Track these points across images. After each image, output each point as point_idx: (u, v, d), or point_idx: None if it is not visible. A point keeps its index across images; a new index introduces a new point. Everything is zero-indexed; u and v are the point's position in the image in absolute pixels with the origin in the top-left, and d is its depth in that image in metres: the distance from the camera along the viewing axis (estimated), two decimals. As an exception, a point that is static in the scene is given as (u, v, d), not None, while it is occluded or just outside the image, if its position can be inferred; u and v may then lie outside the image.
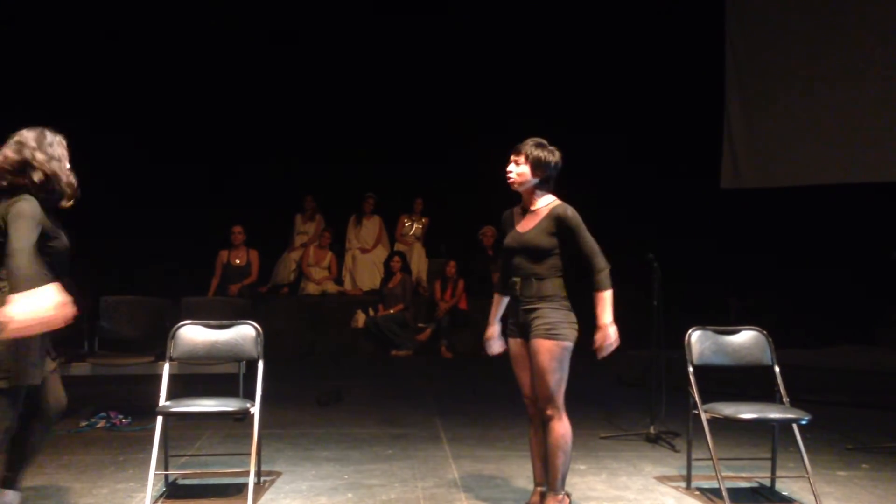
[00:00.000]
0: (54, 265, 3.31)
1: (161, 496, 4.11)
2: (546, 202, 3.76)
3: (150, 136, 9.74)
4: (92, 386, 6.40)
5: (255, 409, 4.02)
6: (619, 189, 10.40)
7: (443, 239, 10.82)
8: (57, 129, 3.37)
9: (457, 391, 7.13)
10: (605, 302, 3.56)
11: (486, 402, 6.55)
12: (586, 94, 10.49)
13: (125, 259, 9.25)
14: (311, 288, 10.11)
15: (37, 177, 3.22)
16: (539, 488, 3.75)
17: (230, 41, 9.98)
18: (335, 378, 7.49)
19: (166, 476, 4.25)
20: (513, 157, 3.74)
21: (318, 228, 10.47)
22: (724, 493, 3.88)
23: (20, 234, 3.07)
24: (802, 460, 4.02)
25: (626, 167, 10.36)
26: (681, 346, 4.30)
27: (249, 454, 4.02)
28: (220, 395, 4.17)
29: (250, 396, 4.15)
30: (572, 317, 3.60)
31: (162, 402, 3.98)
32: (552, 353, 3.52)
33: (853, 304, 8.30)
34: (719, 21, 9.68)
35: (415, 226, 10.76)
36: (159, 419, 3.97)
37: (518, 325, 3.70)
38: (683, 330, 4.32)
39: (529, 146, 3.71)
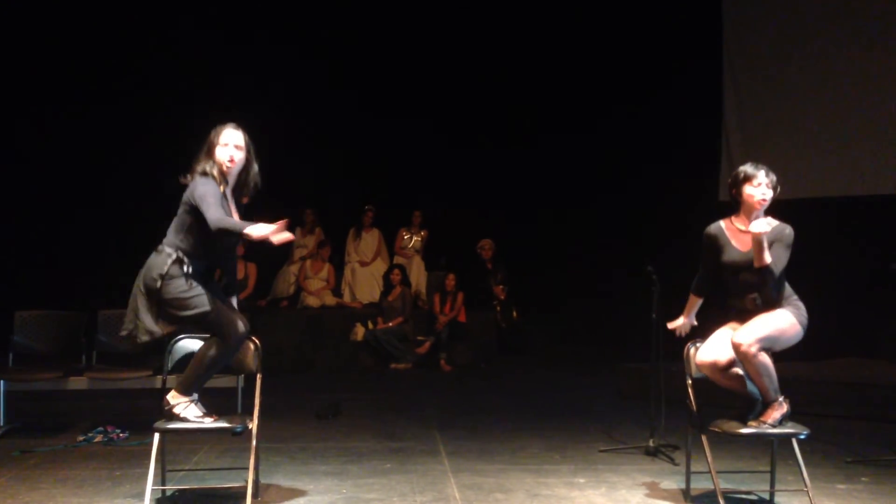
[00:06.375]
0: None
1: (158, 511, 4.10)
2: (769, 220, 4.07)
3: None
4: (89, 400, 6.39)
5: (254, 424, 4.01)
6: (617, 201, 10.43)
7: (442, 252, 10.82)
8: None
9: (456, 404, 7.11)
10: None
11: (486, 415, 6.54)
12: (584, 107, 10.53)
13: (120, 272, 9.24)
14: (311, 301, 10.10)
15: None
16: None
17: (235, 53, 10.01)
18: (334, 392, 7.48)
19: (163, 491, 4.23)
20: (766, 182, 4.07)
21: (317, 242, 10.47)
22: (723, 507, 3.87)
23: None
24: (801, 474, 4.02)
25: (623, 180, 10.39)
26: (680, 359, 4.30)
27: (247, 468, 4.01)
28: (218, 409, 4.15)
29: (249, 410, 4.14)
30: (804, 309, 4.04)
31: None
32: (784, 315, 3.97)
33: (854, 316, 8.29)
34: (717, 26, 9.69)
35: (414, 239, 10.77)
36: (156, 434, 3.96)
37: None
38: (683, 343, 4.32)
39: (771, 172, 4.11)
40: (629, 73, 10.31)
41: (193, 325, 3.95)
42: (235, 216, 4.00)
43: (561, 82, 10.67)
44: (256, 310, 9.26)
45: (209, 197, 3.78)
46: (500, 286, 10.22)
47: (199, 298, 3.83)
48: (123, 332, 3.94)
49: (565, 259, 10.53)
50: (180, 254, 3.85)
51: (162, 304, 3.84)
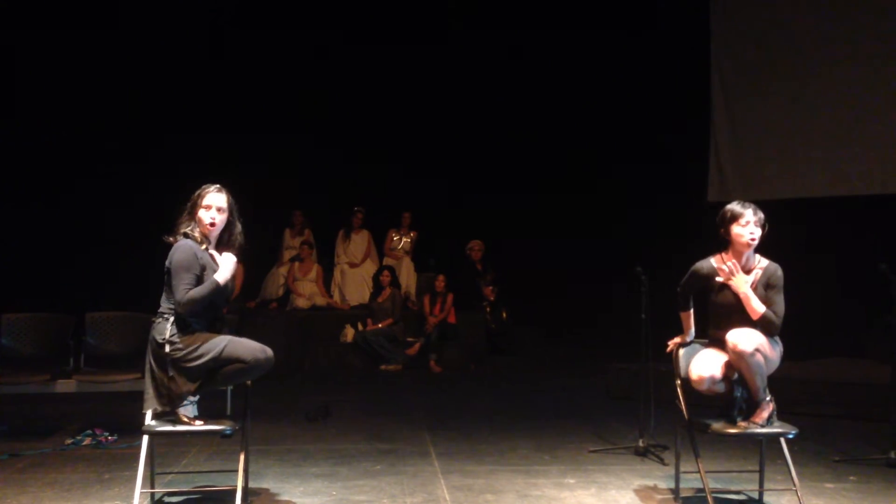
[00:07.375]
0: None
1: (147, 514, 4.08)
2: (759, 260, 4.13)
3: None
4: (78, 403, 6.37)
5: (243, 427, 4.00)
6: (608, 202, 10.46)
7: (431, 253, 10.82)
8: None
9: (446, 406, 7.11)
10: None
11: (476, 416, 6.54)
12: (571, 108, 10.56)
13: (113, 273, 9.22)
14: (301, 302, 10.08)
15: None
16: None
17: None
18: (324, 393, 7.47)
19: (152, 494, 4.21)
20: (754, 221, 4.03)
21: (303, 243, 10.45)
22: (713, 506, 3.89)
23: None
24: (790, 473, 4.03)
25: (612, 181, 10.42)
26: (669, 360, 4.31)
27: (237, 471, 3.99)
28: (208, 411, 4.13)
29: (238, 412, 4.13)
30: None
31: (148, 420, 3.95)
32: (772, 343, 3.98)
33: (842, 316, 8.33)
34: (704, 26, 9.73)
35: (403, 240, 10.76)
36: (145, 437, 3.94)
37: None
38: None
39: (759, 210, 4.06)
40: (624, 73, 10.35)
41: (213, 368, 3.94)
42: None
43: (546, 87, 10.70)
44: (245, 311, 9.23)
45: (175, 277, 3.87)
46: (490, 287, 10.22)
47: (205, 346, 3.88)
48: (146, 410, 3.94)
49: (555, 261, 10.53)
50: (179, 317, 3.91)
51: (175, 364, 3.88)
